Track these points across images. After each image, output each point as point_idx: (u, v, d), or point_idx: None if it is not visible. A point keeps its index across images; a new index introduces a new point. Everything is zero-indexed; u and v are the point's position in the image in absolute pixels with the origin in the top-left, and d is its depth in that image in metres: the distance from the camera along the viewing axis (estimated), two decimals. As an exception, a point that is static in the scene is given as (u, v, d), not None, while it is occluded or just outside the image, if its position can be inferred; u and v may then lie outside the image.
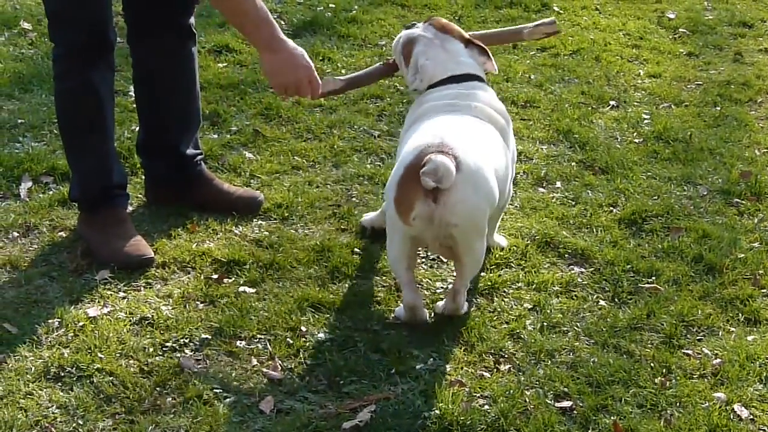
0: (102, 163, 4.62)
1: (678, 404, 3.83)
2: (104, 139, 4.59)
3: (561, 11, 8.00)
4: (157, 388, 3.78)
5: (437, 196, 3.91)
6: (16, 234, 4.69)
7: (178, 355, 3.96)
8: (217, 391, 3.78)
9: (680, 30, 7.76)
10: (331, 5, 7.88)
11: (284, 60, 4.30)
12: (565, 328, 4.24)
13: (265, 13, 4.27)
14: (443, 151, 3.93)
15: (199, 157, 5.00)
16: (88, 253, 4.54)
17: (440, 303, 4.29)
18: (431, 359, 3.99)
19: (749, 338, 4.23)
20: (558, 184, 5.39)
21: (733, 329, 4.29)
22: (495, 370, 3.98)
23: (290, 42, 4.34)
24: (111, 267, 4.44)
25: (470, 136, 4.19)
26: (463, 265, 4.16)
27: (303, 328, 4.12)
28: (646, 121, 6.18)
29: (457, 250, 4.09)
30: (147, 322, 4.14)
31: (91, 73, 4.45)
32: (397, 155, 4.38)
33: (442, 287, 4.46)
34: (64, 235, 4.70)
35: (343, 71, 6.45)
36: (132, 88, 5.32)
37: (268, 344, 4.04)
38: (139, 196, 5.02)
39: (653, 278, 4.59)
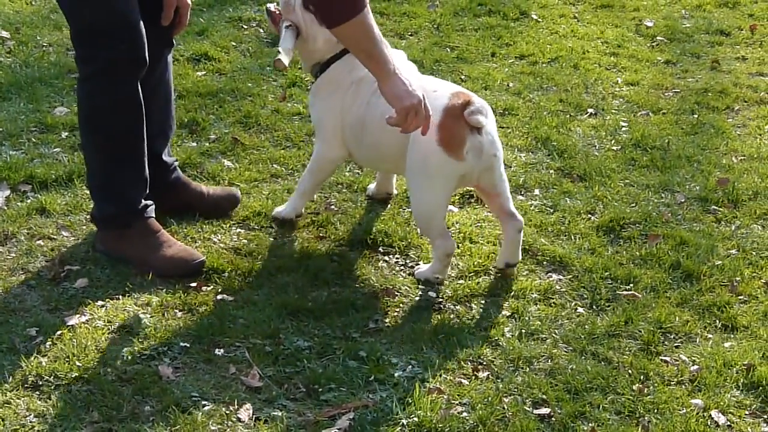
0: (141, 175, 4.61)
1: (656, 411, 3.84)
2: (144, 150, 4.59)
3: (539, 19, 8.02)
4: (136, 396, 3.77)
5: (479, 129, 4.38)
6: (-7, 242, 4.68)
7: (157, 363, 3.95)
8: (196, 399, 3.77)
9: (658, 38, 7.78)
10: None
11: (405, 83, 4.20)
12: (544, 335, 4.25)
13: (377, 36, 4.20)
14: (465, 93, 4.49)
15: (175, 163, 5.01)
16: (66, 262, 4.53)
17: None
18: (410, 366, 4.00)
19: (726, 345, 4.24)
20: (536, 191, 5.40)
21: (710, 336, 4.31)
22: (473, 377, 3.98)
23: (401, 73, 4.25)
24: (143, 276, 4.49)
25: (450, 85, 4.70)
26: (501, 193, 4.57)
27: (281, 336, 4.13)
28: (624, 129, 6.20)
29: (495, 182, 4.53)
30: (125, 330, 4.14)
31: (134, 85, 4.44)
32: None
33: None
34: (42, 243, 4.69)
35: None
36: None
37: (246, 352, 4.03)
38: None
39: (631, 285, 4.61)
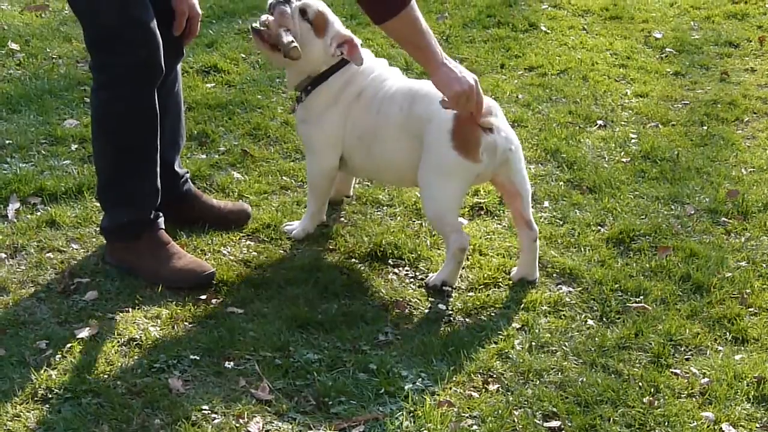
0: (154, 185, 4.61)
1: (666, 424, 3.83)
2: (157, 160, 4.60)
3: (548, 31, 8.02)
4: (146, 409, 3.77)
5: (491, 129, 4.48)
6: (3, 255, 4.68)
7: (167, 375, 3.95)
8: (206, 412, 3.77)
9: (667, 49, 7.78)
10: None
11: (454, 71, 4.36)
12: (554, 348, 4.25)
13: (424, 29, 4.35)
14: None
15: (187, 175, 5.02)
16: (75, 274, 4.53)
17: (514, 269, 4.73)
18: (420, 379, 3.99)
19: (737, 357, 4.23)
20: (546, 203, 5.40)
21: (720, 348, 4.30)
22: (483, 390, 3.98)
23: (450, 60, 4.42)
24: (157, 287, 4.49)
25: None
26: (520, 192, 4.65)
27: (291, 349, 4.12)
28: (633, 141, 6.20)
29: (512, 178, 4.62)
30: (135, 343, 4.13)
31: (151, 92, 4.45)
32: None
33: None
34: (52, 256, 4.69)
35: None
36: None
37: (256, 365, 4.03)
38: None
39: (641, 297, 4.60)
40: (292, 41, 4.56)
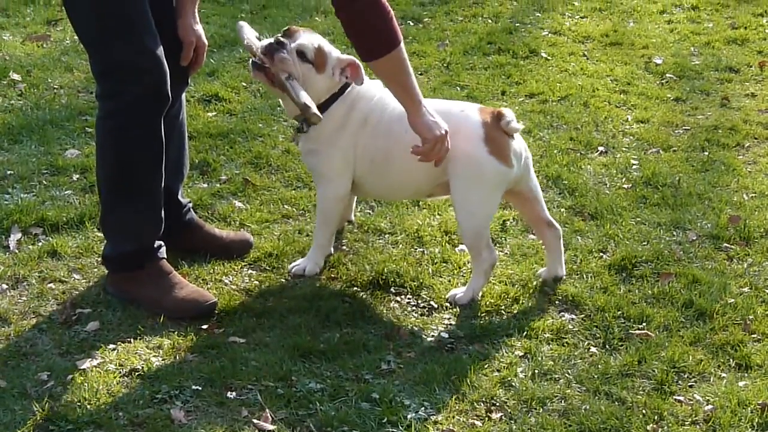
0: (158, 215, 4.61)
1: (670, 451, 3.82)
2: (161, 190, 4.60)
3: (549, 57, 8.04)
4: (148, 441, 3.77)
5: (513, 135, 4.68)
6: (5, 286, 4.67)
7: (169, 406, 3.94)
8: (208, 442, 3.77)
9: (667, 75, 7.79)
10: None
11: (431, 116, 4.46)
12: (557, 376, 4.24)
13: (409, 69, 4.44)
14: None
15: (189, 204, 5.02)
16: (77, 305, 4.53)
17: (542, 270, 4.94)
18: (422, 408, 3.98)
19: (741, 384, 4.22)
20: (548, 230, 5.39)
21: (724, 375, 4.29)
22: (486, 418, 3.97)
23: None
24: (156, 318, 4.49)
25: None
26: (537, 197, 4.87)
27: (293, 378, 4.11)
28: (634, 167, 6.20)
29: (530, 183, 4.83)
30: (137, 373, 4.13)
31: (158, 121, 4.46)
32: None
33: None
34: (54, 286, 4.69)
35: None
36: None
37: (258, 395, 4.02)
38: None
39: (644, 324, 4.59)
40: (311, 108, 4.54)
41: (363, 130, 4.77)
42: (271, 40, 4.67)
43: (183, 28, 4.63)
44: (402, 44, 4.36)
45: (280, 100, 4.89)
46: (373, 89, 4.82)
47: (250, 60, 4.73)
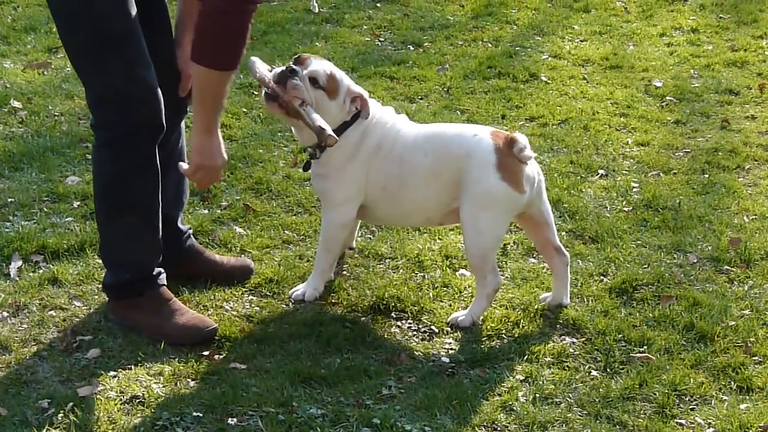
0: (156, 242, 4.62)
1: (672, 475, 3.81)
2: (159, 217, 4.61)
3: (549, 81, 8.05)
4: (148, 468, 3.76)
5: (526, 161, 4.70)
6: (5, 314, 4.68)
7: (169, 433, 3.94)
8: (209, 469, 3.76)
9: (667, 98, 7.80)
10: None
11: (216, 145, 4.41)
12: (558, 399, 4.23)
13: (222, 97, 4.36)
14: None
15: (189, 231, 5.03)
16: (78, 332, 4.53)
17: (547, 295, 4.96)
18: (424, 433, 3.99)
19: (742, 407, 4.22)
20: (548, 254, 5.39)
21: (725, 398, 4.29)
22: (488, 443, 3.97)
23: (219, 133, 4.45)
24: (155, 344, 4.49)
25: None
26: (548, 222, 4.89)
27: (294, 404, 4.11)
28: (635, 190, 6.20)
29: (541, 207, 4.84)
30: (138, 400, 4.12)
31: (153, 150, 4.47)
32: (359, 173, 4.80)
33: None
34: (54, 314, 4.69)
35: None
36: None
37: (259, 421, 4.02)
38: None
39: (645, 347, 4.59)
40: (327, 130, 4.55)
41: (375, 158, 4.79)
42: (283, 68, 4.69)
43: (182, 59, 4.64)
44: (230, 75, 4.29)
45: (293, 128, 4.89)
46: (387, 116, 4.85)
47: (263, 91, 4.73)
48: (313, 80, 4.67)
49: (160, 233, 4.62)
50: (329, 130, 4.56)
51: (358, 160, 4.78)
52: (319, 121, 4.57)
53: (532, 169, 4.73)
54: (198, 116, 4.36)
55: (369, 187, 4.81)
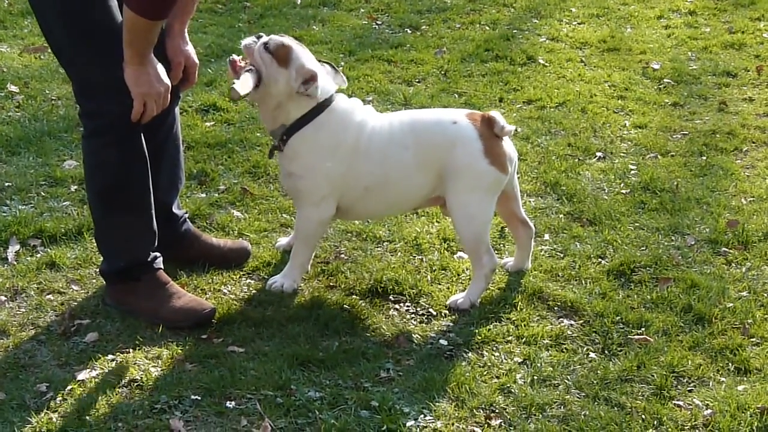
0: (149, 228, 4.60)
1: (670, 456, 3.82)
2: (151, 203, 4.59)
3: (546, 64, 8.04)
4: (147, 451, 3.76)
5: (503, 138, 4.78)
6: (3, 298, 4.67)
7: (168, 416, 3.94)
8: (207, 452, 3.76)
9: (665, 80, 7.80)
10: (317, 62, 7.91)
11: (152, 73, 4.28)
12: (556, 382, 4.23)
13: (152, 39, 4.26)
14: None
15: (185, 215, 5.03)
16: (76, 316, 4.53)
17: (509, 259, 5.12)
18: (422, 416, 3.98)
19: (740, 388, 4.22)
20: (546, 236, 5.40)
21: (723, 379, 4.29)
22: (486, 425, 3.96)
23: (155, 59, 4.32)
24: (155, 327, 4.49)
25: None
26: (516, 196, 4.99)
27: (293, 387, 4.11)
28: (632, 172, 6.20)
29: (513, 182, 4.93)
30: (136, 384, 4.13)
31: (139, 138, 4.45)
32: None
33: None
34: (52, 298, 4.69)
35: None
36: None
37: (258, 404, 4.02)
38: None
39: (643, 329, 4.59)
40: (234, 85, 4.54)
41: (354, 159, 4.71)
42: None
43: (171, 48, 4.62)
44: (158, 24, 4.19)
45: (260, 115, 4.90)
46: (356, 111, 4.77)
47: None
48: (265, 44, 4.67)
49: (154, 219, 4.61)
50: (237, 86, 4.52)
51: (335, 160, 4.69)
52: (241, 78, 4.57)
53: (510, 148, 4.81)
54: (127, 52, 4.24)
55: (349, 189, 4.75)
